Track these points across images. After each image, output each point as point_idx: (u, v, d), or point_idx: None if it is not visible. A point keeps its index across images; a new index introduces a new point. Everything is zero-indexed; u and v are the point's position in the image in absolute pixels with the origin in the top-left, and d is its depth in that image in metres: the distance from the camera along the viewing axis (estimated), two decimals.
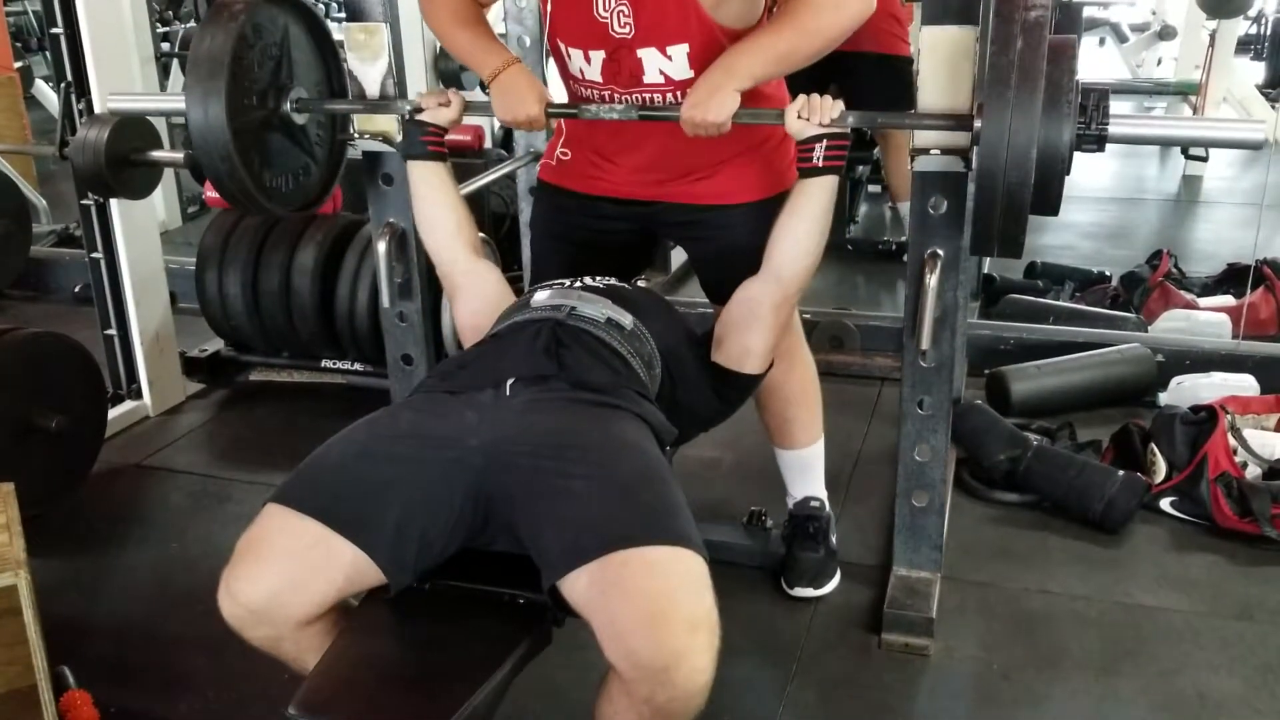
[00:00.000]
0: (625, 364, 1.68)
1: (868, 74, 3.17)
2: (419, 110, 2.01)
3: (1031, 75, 1.51)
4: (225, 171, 1.93)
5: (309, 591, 1.40)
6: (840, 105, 1.79)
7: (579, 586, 1.35)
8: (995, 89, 1.53)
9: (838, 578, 2.29)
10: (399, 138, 2.14)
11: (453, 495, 1.46)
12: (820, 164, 1.79)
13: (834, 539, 2.32)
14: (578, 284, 1.85)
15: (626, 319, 1.75)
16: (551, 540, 1.40)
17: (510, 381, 1.57)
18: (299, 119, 2.10)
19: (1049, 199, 1.58)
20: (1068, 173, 1.58)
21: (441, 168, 2.01)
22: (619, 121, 1.93)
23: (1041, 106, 1.52)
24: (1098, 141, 1.62)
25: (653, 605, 1.30)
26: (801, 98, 1.80)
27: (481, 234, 2.88)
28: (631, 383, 1.66)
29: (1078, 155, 1.60)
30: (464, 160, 3.65)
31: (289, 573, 1.40)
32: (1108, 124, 1.61)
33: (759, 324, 1.82)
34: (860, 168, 4.56)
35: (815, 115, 1.78)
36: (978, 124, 1.63)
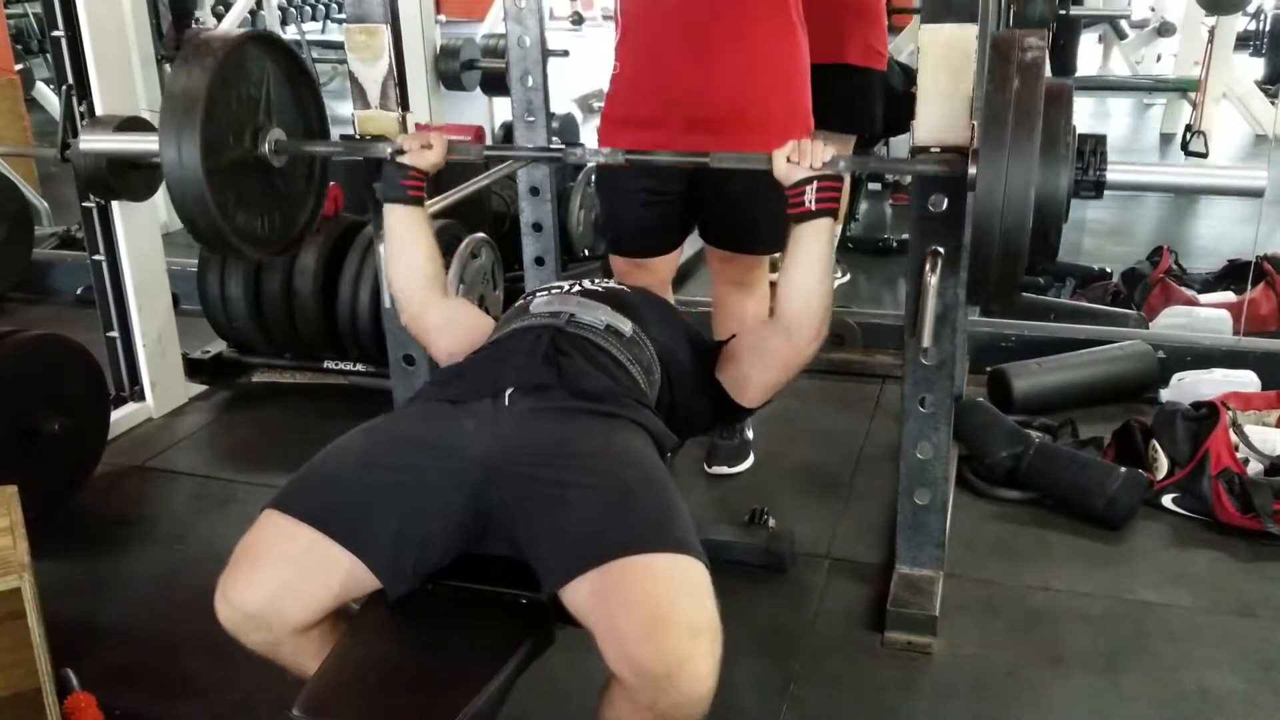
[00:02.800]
0: (625, 371, 1.68)
1: (841, 85, 3.12)
2: (400, 152, 1.93)
3: (1029, 117, 1.47)
4: (198, 215, 1.86)
5: (305, 598, 1.40)
6: (831, 150, 1.75)
7: (580, 595, 1.35)
8: (991, 128, 1.49)
9: (751, 459, 2.73)
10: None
11: (451, 505, 1.45)
12: (813, 207, 1.74)
13: (750, 432, 2.75)
14: (576, 288, 1.84)
15: (626, 325, 1.74)
16: (551, 550, 1.40)
17: (509, 391, 1.57)
18: (277, 161, 2.02)
19: (1048, 246, 1.54)
20: (1065, 220, 1.54)
21: (420, 212, 1.94)
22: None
23: (1039, 150, 1.47)
24: (1096, 188, 1.60)
25: (653, 612, 1.30)
26: (791, 143, 1.76)
27: (481, 234, 2.89)
28: (631, 390, 1.65)
29: None
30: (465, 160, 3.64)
31: (285, 578, 1.40)
32: (1105, 169, 1.60)
33: (764, 364, 1.83)
34: None
35: (805, 159, 1.74)
36: (973, 171, 1.61)
